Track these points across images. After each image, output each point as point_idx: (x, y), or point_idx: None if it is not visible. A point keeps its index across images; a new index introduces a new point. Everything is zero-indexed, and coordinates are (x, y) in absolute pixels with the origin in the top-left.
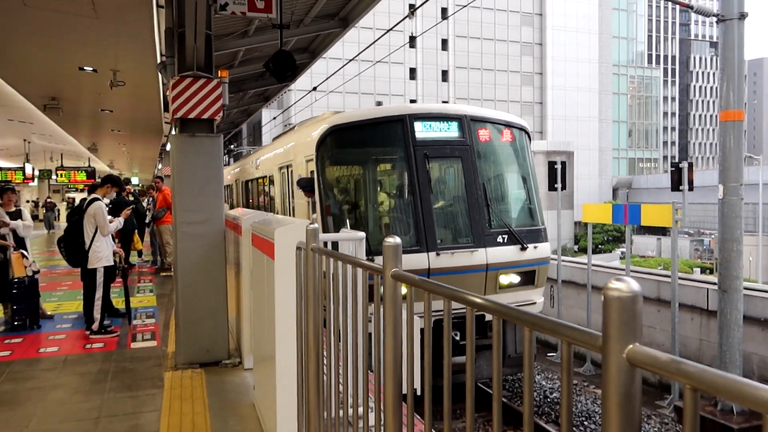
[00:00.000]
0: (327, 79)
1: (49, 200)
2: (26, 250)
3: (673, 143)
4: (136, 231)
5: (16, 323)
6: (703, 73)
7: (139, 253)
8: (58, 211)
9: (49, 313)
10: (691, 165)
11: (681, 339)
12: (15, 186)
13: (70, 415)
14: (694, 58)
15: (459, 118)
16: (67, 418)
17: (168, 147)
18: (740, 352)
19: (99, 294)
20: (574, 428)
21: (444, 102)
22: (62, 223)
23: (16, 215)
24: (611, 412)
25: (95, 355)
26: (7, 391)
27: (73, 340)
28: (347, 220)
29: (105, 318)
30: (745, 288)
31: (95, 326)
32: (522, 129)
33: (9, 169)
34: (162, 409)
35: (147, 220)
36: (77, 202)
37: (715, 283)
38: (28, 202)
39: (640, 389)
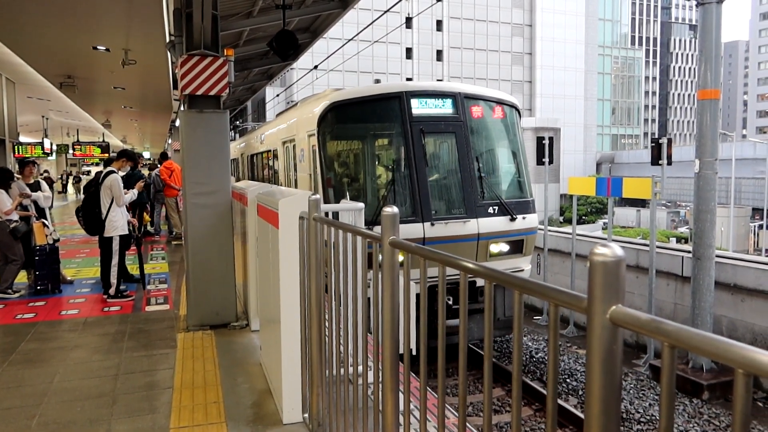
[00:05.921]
0: (327, 58)
1: (45, 173)
2: (47, 219)
3: (653, 120)
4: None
5: (39, 288)
6: (682, 54)
7: (151, 224)
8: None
9: (69, 278)
10: (670, 141)
11: (657, 303)
12: (35, 160)
13: (90, 372)
14: (675, 40)
15: (453, 96)
16: (88, 375)
17: (177, 123)
18: (711, 314)
19: (115, 261)
20: (557, 384)
21: (439, 80)
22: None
23: (35, 187)
24: (595, 368)
25: (112, 318)
26: (32, 350)
27: (92, 303)
28: (347, 192)
29: (121, 283)
30: (717, 256)
31: (112, 291)
32: (512, 106)
33: (29, 144)
34: (176, 367)
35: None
36: (92, 175)
37: (689, 252)
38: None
39: (621, 347)
